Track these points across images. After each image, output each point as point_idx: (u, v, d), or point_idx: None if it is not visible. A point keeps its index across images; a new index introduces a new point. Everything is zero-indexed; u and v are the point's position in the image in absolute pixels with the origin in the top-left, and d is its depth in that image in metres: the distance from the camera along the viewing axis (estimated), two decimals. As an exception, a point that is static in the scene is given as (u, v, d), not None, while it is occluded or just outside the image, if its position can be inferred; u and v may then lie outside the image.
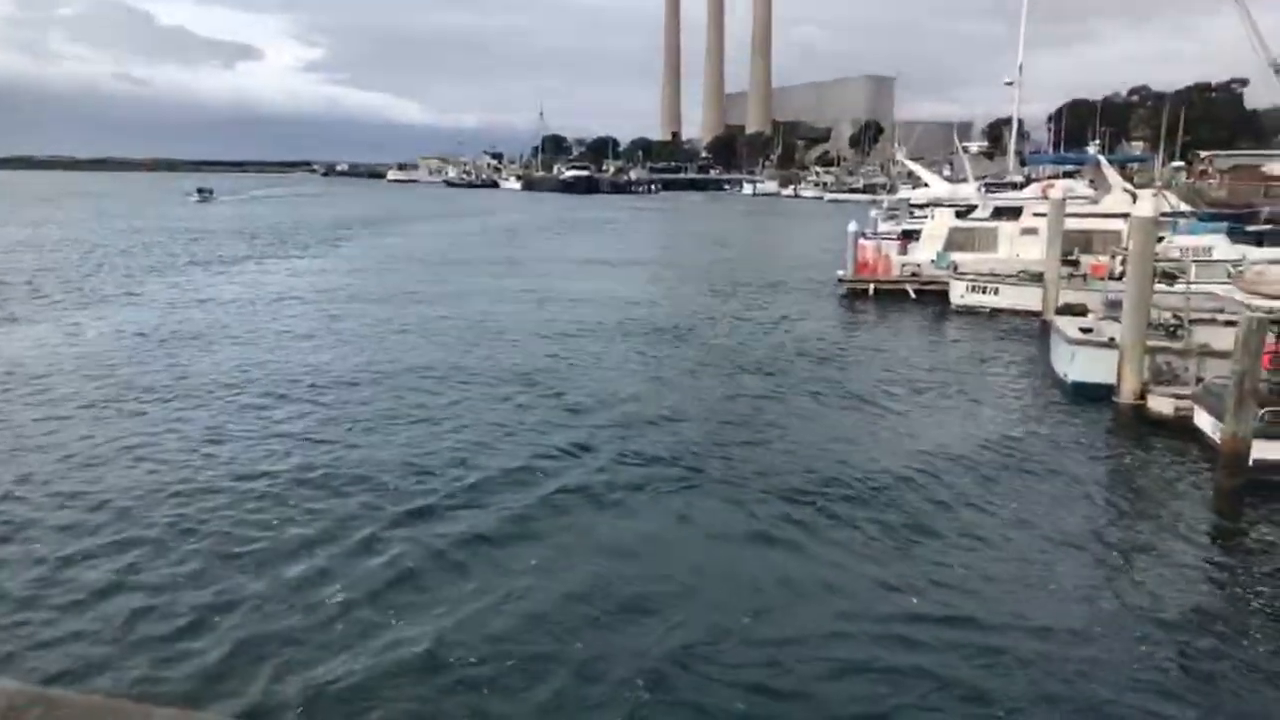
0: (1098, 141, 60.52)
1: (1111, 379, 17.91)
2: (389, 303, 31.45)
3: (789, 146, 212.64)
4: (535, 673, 8.36)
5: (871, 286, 33.39)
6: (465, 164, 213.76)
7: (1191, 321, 18.97)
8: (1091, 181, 36.26)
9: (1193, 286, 20.13)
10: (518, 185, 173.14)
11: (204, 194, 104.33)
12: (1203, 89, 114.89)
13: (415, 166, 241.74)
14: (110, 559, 10.62)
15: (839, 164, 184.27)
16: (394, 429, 15.95)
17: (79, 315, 27.74)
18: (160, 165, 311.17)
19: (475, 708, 7.89)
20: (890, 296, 32.84)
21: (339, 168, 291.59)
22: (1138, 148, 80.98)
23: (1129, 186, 34.45)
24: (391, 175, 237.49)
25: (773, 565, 10.75)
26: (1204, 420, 15.26)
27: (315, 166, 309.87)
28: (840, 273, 34.63)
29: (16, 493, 12.66)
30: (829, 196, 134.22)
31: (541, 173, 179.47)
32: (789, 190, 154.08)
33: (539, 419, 16.80)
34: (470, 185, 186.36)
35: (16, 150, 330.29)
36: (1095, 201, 33.38)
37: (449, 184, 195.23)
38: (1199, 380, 16.93)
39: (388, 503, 12.41)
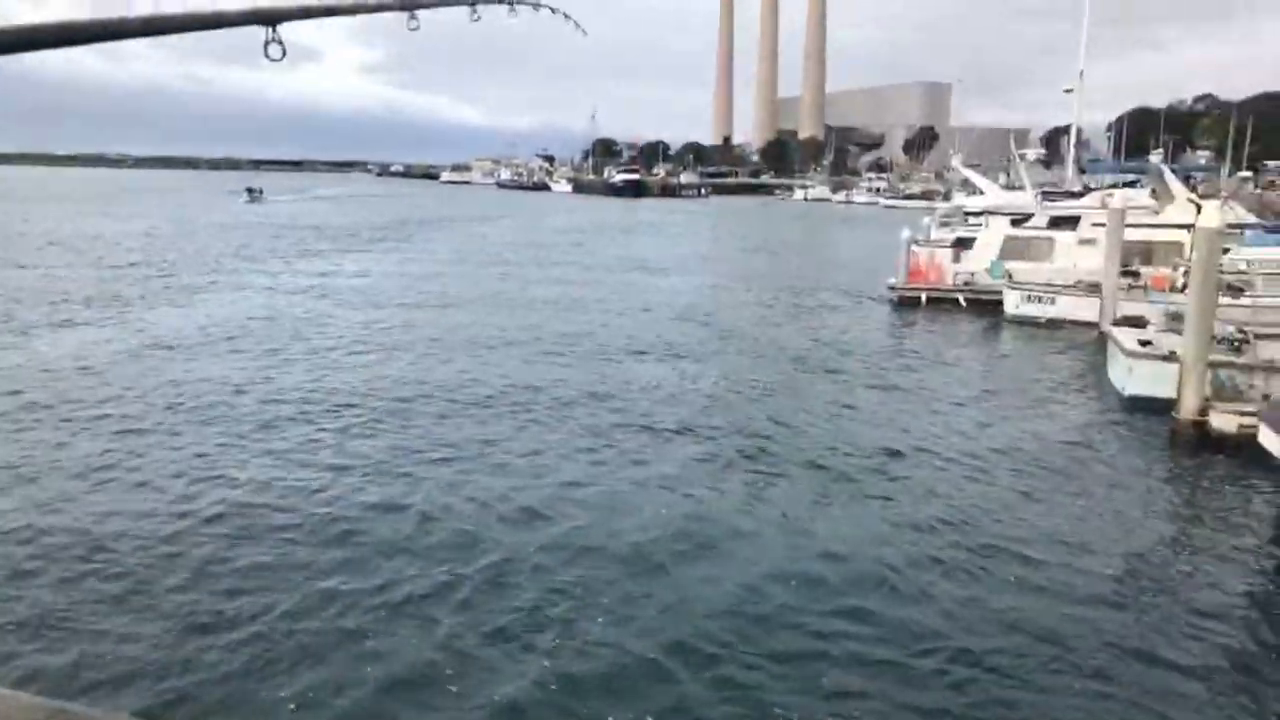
0: (1160, 150, 58.97)
1: (1171, 393, 17.38)
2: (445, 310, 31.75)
3: (842, 152, 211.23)
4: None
5: (923, 295, 32.90)
6: (518, 165, 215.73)
7: (1257, 336, 18.35)
8: (1153, 191, 35.26)
9: (1260, 300, 19.48)
10: (568, 188, 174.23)
11: (253, 194, 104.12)
12: (1272, 97, 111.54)
13: (468, 168, 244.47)
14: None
15: (892, 170, 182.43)
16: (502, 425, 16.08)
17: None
18: (222, 164, 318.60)
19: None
20: (942, 305, 32.32)
21: (393, 168, 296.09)
22: (1203, 157, 78.71)
23: (1193, 196, 33.44)
24: (445, 176, 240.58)
25: (820, 545, 10.61)
26: (1269, 439, 14.69)
27: (370, 167, 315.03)
28: (891, 280, 34.19)
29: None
30: (883, 203, 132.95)
31: (591, 176, 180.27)
32: (841, 196, 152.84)
33: (607, 418, 17.23)
34: (521, 187, 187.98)
35: (87, 148, 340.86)
36: (1157, 211, 32.51)
37: (500, 185, 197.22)
38: (1265, 397, 16.36)
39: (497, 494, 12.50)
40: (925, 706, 8.02)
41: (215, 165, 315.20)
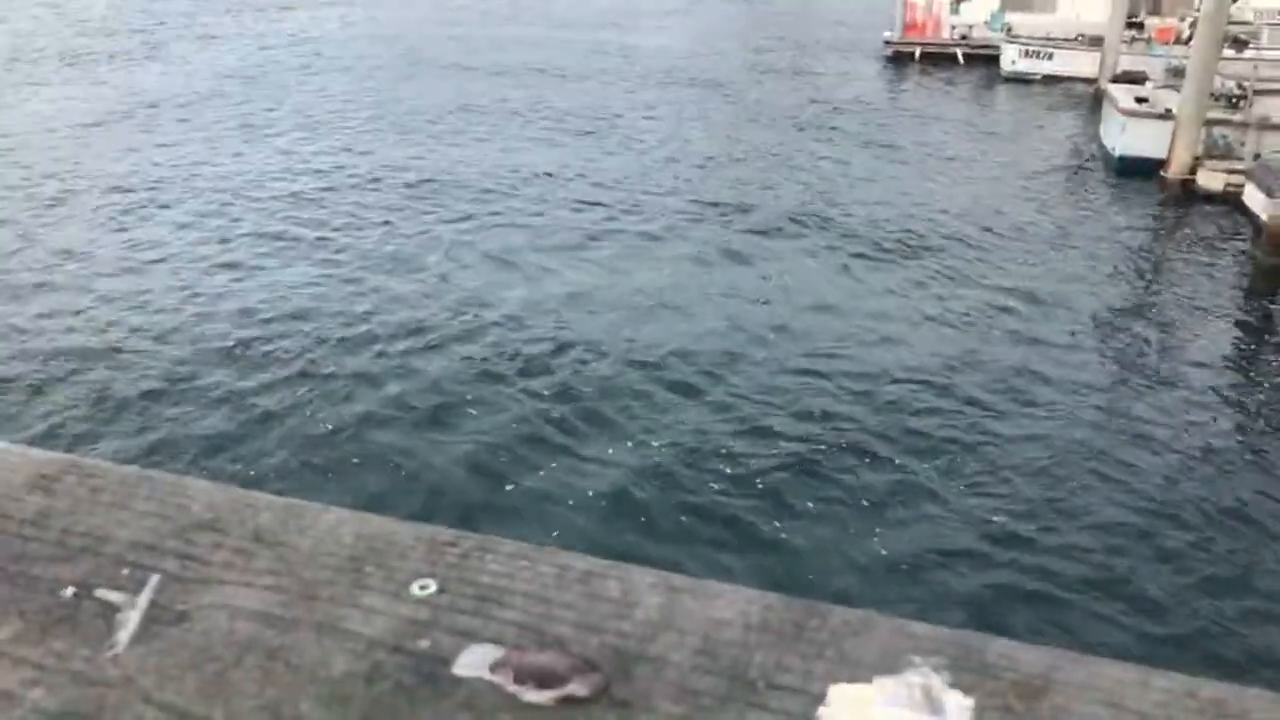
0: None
1: (1162, 153, 17.24)
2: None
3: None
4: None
5: (917, 50, 31.60)
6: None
7: (1256, 91, 17.98)
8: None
9: (1264, 53, 18.93)
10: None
11: None
12: None
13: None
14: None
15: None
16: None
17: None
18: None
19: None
20: (938, 61, 31.10)
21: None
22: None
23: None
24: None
25: (805, 290, 11.02)
26: (1254, 198, 14.82)
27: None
28: (886, 34, 32.68)
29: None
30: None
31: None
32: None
33: (600, 155, 18.37)
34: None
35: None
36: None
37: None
38: (1255, 156, 16.29)
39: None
40: (899, 429, 8.65)
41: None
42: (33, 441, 8.11)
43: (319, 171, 16.94)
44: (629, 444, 8.57)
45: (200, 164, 17.21)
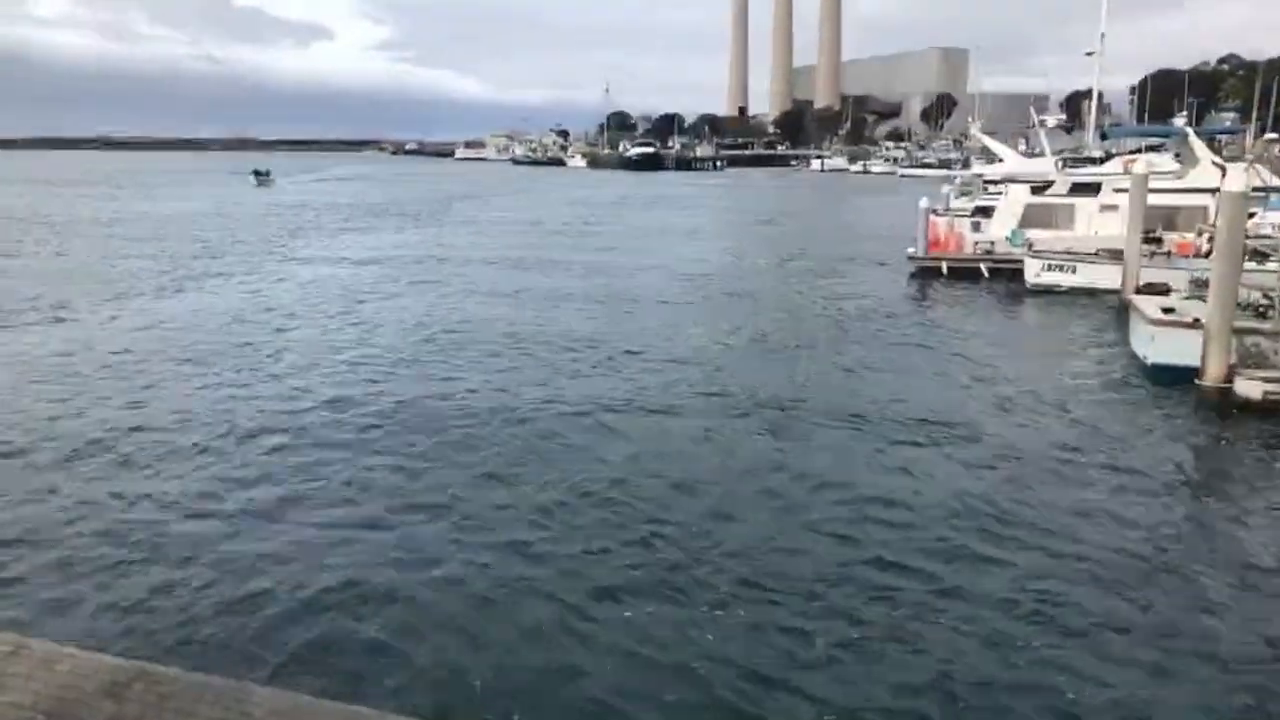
0: (1184, 113, 58.10)
1: (1195, 361, 17.23)
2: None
3: (858, 121, 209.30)
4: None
5: (944, 265, 32.67)
6: (532, 141, 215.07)
7: (1283, 301, 18.12)
8: (1177, 155, 34.83)
9: (1285, 265, 19.22)
10: (583, 163, 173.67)
11: (261, 177, 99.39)
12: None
13: (482, 144, 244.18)
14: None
15: (910, 139, 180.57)
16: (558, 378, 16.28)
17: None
18: (233, 144, 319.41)
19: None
20: (963, 275, 32.09)
21: (408, 146, 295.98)
22: (1227, 120, 77.42)
23: (1218, 160, 32.94)
24: (459, 153, 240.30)
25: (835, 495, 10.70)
26: (1295, 405, 14.62)
27: (384, 145, 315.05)
28: (911, 250, 33.95)
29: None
30: (901, 172, 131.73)
31: (607, 150, 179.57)
32: (858, 166, 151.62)
33: (630, 369, 18.61)
34: (536, 163, 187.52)
35: (97, 130, 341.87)
36: (1180, 176, 32.07)
37: (515, 162, 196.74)
38: (1291, 363, 16.21)
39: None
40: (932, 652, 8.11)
41: (227, 146, 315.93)
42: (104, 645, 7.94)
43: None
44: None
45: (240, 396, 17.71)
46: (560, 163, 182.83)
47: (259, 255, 38.74)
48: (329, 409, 15.81)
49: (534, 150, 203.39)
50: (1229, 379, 16.66)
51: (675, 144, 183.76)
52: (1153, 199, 28.02)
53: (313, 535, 10.74)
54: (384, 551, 10.32)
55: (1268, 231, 25.29)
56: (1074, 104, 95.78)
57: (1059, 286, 29.05)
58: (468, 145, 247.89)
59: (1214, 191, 24.51)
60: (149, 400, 16.32)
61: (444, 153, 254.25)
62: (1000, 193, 35.32)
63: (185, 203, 73.24)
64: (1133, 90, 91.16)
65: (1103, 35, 39.60)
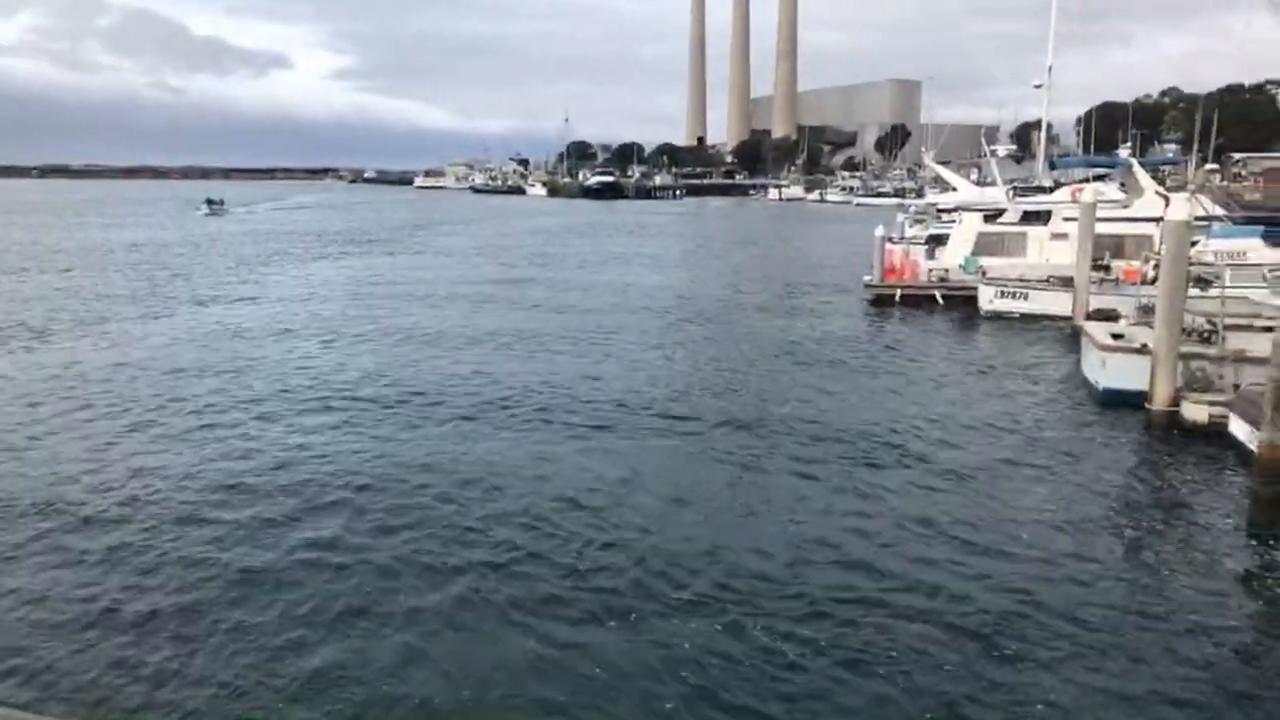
0: (1129, 144, 59.61)
1: (1144, 385, 17.60)
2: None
3: (815, 151, 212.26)
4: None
5: (898, 292, 33.13)
6: (491, 170, 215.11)
7: (1226, 327, 18.62)
8: (1123, 185, 35.75)
9: (1228, 291, 19.78)
10: (543, 191, 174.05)
11: (214, 206, 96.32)
12: (1236, 90, 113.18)
13: (442, 173, 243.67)
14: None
15: (865, 169, 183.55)
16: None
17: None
18: (193, 173, 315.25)
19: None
20: (917, 302, 32.57)
21: (366, 174, 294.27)
22: (1170, 150, 79.63)
23: (1161, 190, 33.88)
24: (419, 181, 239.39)
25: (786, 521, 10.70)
26: (1239, 428, 14.96)
27: (343, 174, 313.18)
28: (867, 277, 34.40)
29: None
30: (856, 201, 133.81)
31: (567, 179, 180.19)
32: (815, 195, 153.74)
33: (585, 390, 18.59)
34: (495, 191, 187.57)
35: (55, 159, 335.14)
36: (1126, 205, 32.93)
37: (475, 190, 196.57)
38: (1235, 387, 16.62)
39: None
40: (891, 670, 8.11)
41: (186, 174, 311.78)
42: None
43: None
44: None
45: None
46: (520, 191, 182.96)
47: (174, 293, 38.15)
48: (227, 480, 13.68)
49: (494, 179, 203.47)
50: (1176, 402, 17.03)
51: (635, 173, 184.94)
52: (1100, 227, 28.76)
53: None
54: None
55: (1210, 259, 25.98)
56: (1024, 134, 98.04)
57: (1012, 313, 29.60)
58: (427, 174, 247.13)
59: (1158, 220, 25.17)
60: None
61: (403, 181, 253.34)
62: (954, 221, 35.97)
63: (118, 232, 70.60)
64: (1079, 121, 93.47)
65: (1050, 68, 40.56)
